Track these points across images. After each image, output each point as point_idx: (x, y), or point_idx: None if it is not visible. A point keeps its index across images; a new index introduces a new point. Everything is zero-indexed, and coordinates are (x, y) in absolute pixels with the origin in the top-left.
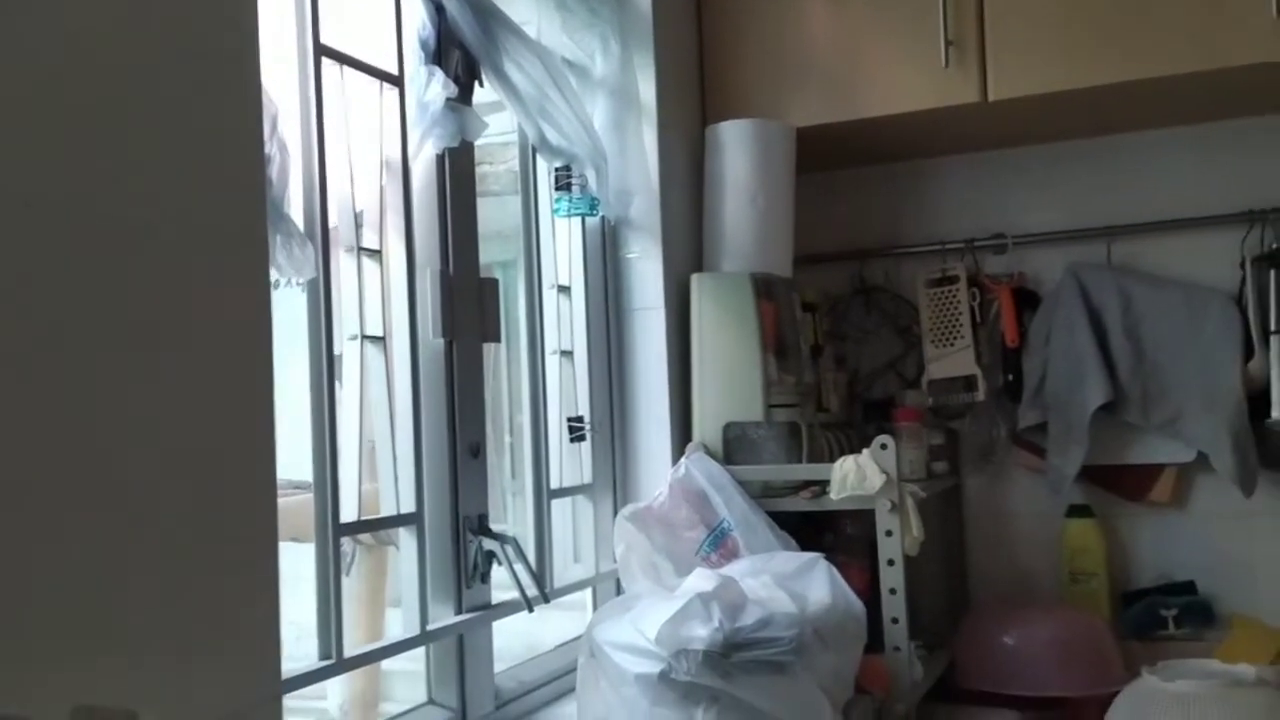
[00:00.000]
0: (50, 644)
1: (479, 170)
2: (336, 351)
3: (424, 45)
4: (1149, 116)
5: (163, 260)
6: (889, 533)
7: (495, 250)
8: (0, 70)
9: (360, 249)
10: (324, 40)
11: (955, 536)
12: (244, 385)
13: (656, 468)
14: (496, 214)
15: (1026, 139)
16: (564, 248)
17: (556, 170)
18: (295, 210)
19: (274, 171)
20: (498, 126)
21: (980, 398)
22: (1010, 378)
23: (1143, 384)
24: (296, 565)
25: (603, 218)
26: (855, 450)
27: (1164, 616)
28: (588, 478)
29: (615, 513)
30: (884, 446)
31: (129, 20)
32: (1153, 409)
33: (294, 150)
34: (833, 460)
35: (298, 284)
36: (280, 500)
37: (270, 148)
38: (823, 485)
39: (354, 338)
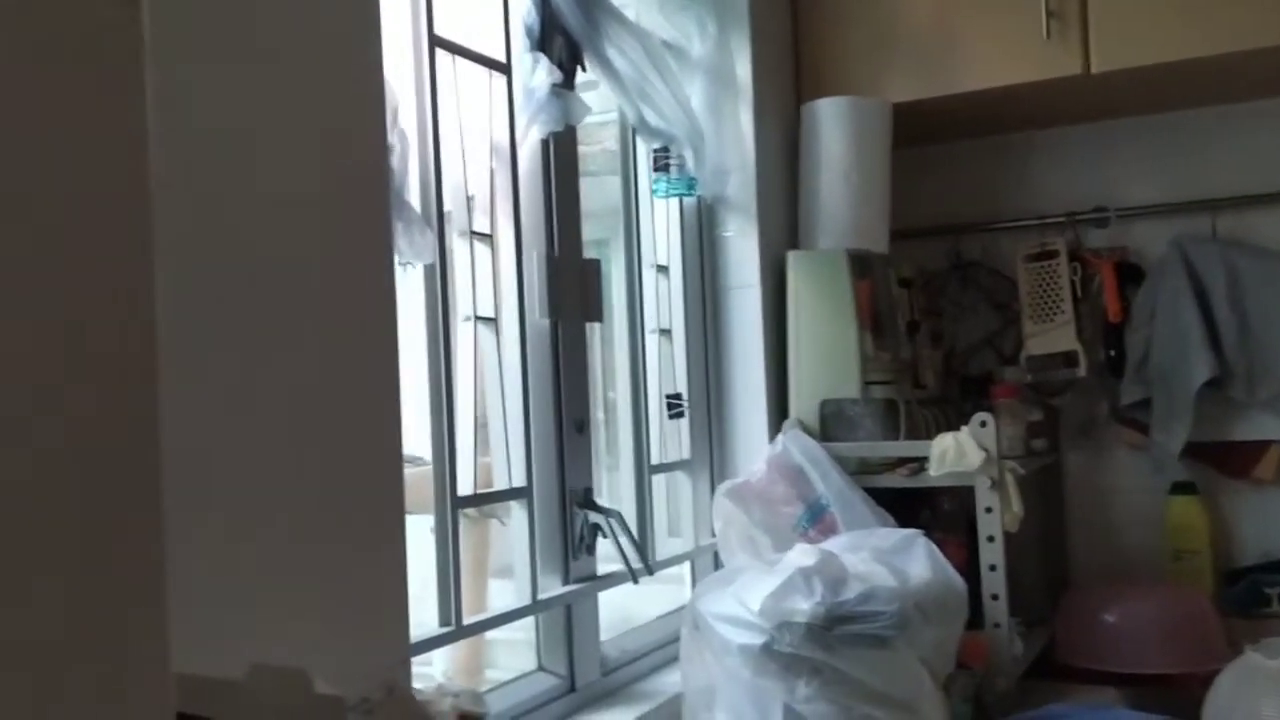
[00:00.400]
0: (219, 611)
1: (579, 151)
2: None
3: (529, 32)
4: (1255, 87)
5: (298, 248)
6: (989, 509)
7: (591, 228)
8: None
9: (472, 233)
10: (437, 31)
11: (1054, 513)
12: (372, 365)
13: (753, 444)
14: (593, 193)
15: (1129, 110)
16: (662, 227)
17: (655, 152)
18: (413, 196)
19: (395, 160)
20: (594, 107)
21: (1081, 374)
22: (1112, 353)
23: (1248, 359)
24: (412, 536)
25: (699, 197)
26: (953, 427)
27: (1267, 594)
28: (686, 454)
29: (713, 488)
30: (983, 424)
31: (266, 26)
32: (1258, 385)
33: (411, 139)
34: (930, 437)
35: (414, 267)
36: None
37: (392, 138)
38: (920, 462)
39: (467, 319)
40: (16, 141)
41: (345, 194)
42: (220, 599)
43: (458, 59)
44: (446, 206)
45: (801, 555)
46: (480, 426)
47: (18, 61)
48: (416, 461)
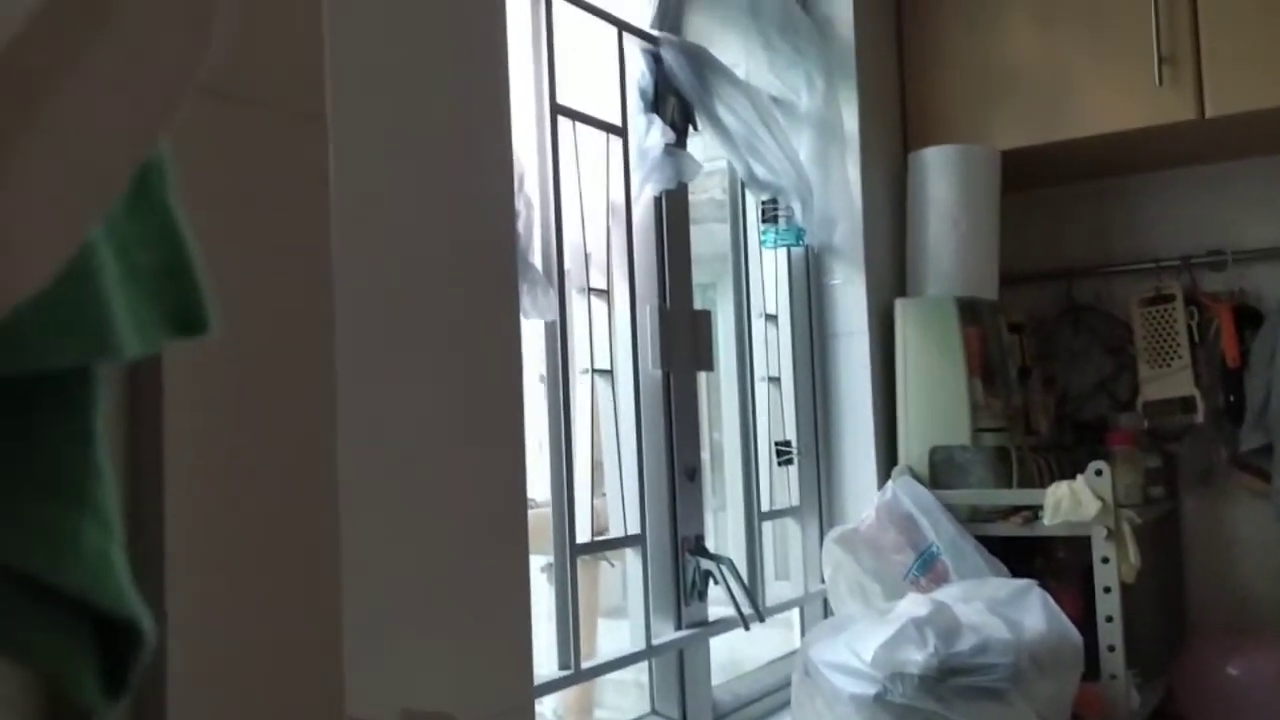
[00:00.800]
0: (368, 656)
1: (689, 199)
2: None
3: (643, 94)
4: None
5: (433, 308)
6: (1105, 560)
7: (699, 273)
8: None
9: (590, 289)
10: (559, 100)
11: (1173, 562)
12: (499, 414)
13: (862, 491)
14: (701, 239)
15: (1245, 152)
16: (770, 276)
17: (763, 203)
18: (536, 257)
19: (521, 225)
20: (703, 155)
21: (1199, 419)
22: (1231, 399)
23: None
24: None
25: (807, 246)
26: (1066, 473)
27: None
28: (795, 500)
29: (822, 535)
30: (1099, 473)
31: (407, 103)
32: None
33: (535, 202)
34: (1043, 484)
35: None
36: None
37: (518, 204)
38: (1034, 510)
39: (585, 371)
40: (224, 238)
41: (477, 257)
42: (357, 642)
43: (577, 124)
44: (566, 265)
45: (914, 605)
46: (595, 467)
47: (216, 168)
48: (531, 504)
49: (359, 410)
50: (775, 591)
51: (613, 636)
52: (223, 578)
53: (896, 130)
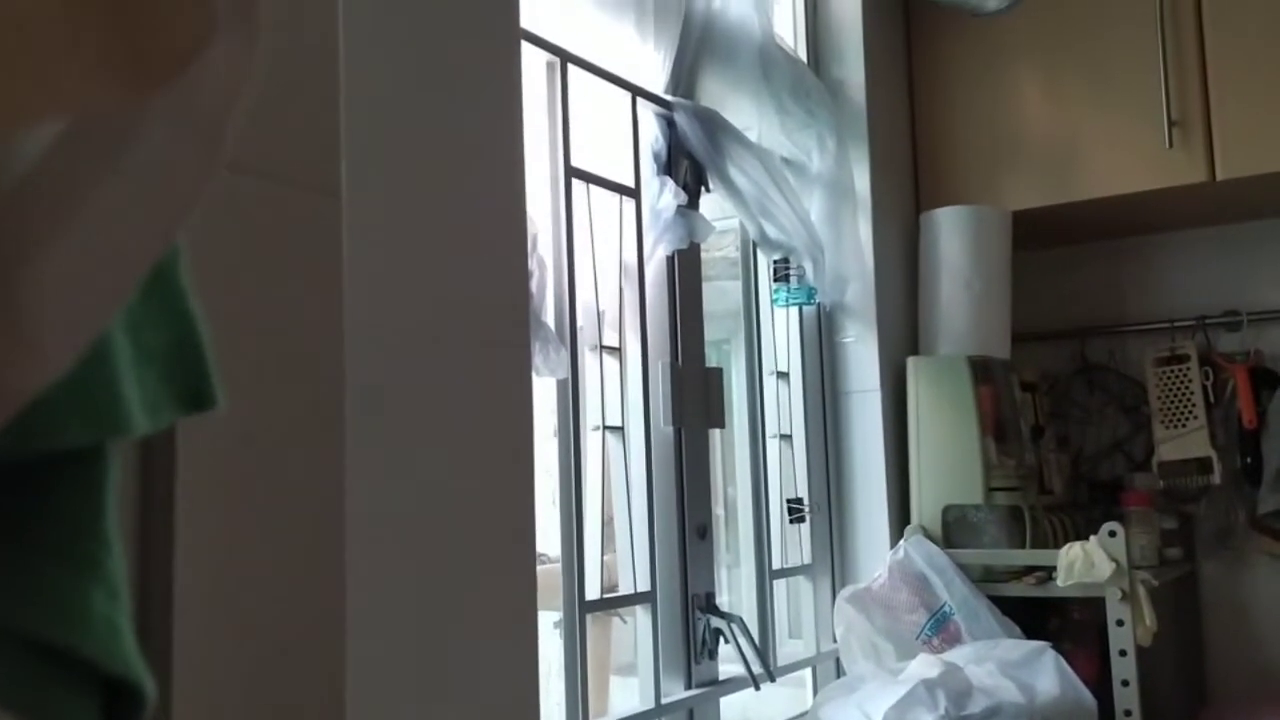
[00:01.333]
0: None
1: (703, 256)
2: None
3: (656, 157)
4: None
5: (447, 366)
6: (1120, 622)
7: (713, 330)
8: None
9: (602, 347)
10: (573, 162)
11: (1191, 626)
12: (509, 469)
13: (875, 549)
14: (714, 296)
15: (1259, 214)
16: (782, 333)
17: (775, 262)
18: (549, 316)
19: (534, 285)
20: (716, 214)
21: (1216, 481)
22: (1249, 460)
23: None
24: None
25: (819, 304)
26: (1080, 534)
27: None
28: (807, 558)
29: (834, 593)
30: (1113, 534)
31: (426, 168)
32: None
33: (549, 262)
34: (1058, 544)
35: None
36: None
37: (531, 264)
38: (1048, 570)
39: (596, 428)
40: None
41: (490, 317)
42: (356, 693)
43: (592, 186)
44: (579, 323)
45: (925, 666)
46: (607, 522)
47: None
48: (542, 559)
49: (368, 470)
50: (788, 650)
51: (625, 694)
52: (230, 641)
53: (908, 190)
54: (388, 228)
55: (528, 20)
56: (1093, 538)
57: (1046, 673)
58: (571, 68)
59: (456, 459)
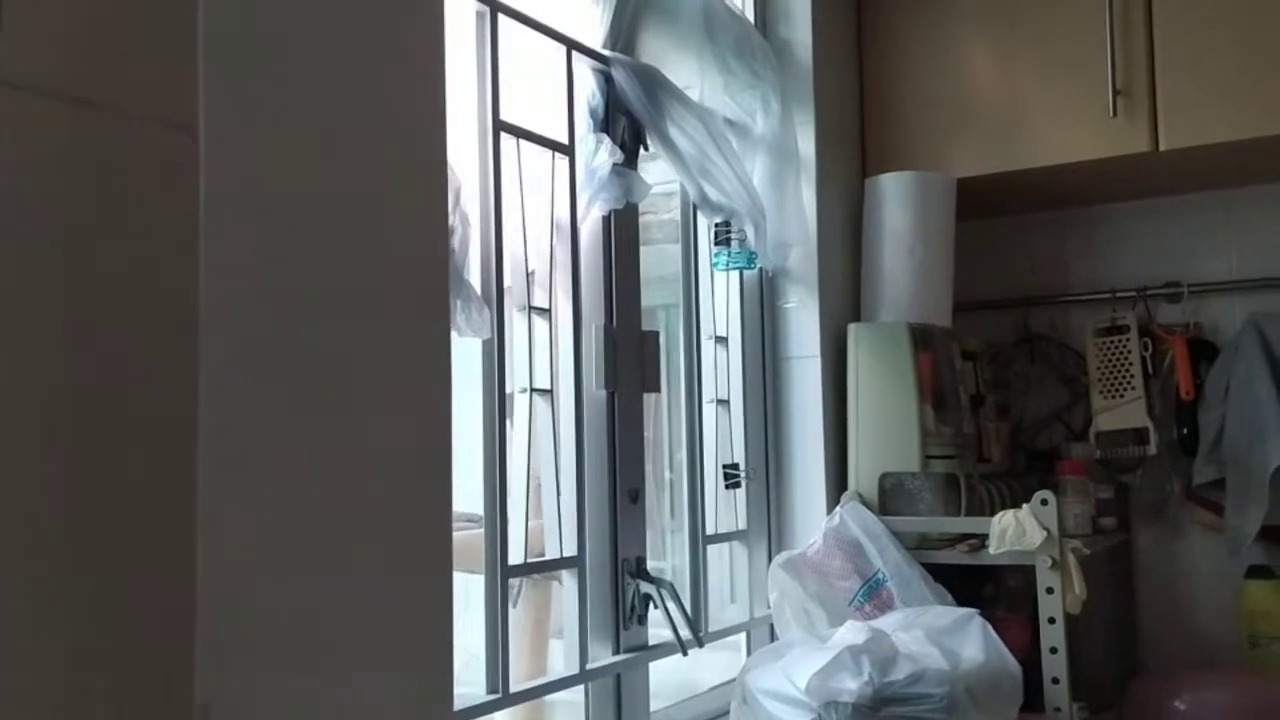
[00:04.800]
0: (257, 670)
1: (641, 220)
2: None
3: (593, 114)
4: None
5: (364, 323)
6: (1050, 590)
7: (657, 295)
8: (249, 168)
9: (531, 308)
10: (503, 116)
11: (1124, 595)
12: (426, 432)
13: (811, 516)
14: (656, 260)
15: (1201, 185)
16: (722, 298)
17: (716, 226)
18: (474, 274)
19: (456, 241)
20: (660, 177)
21: (1152, 451)
22: (1185, 431)
23: None
24: (470, 595)
25: (760, 269)
26: (1017, 502)
27: None
28: (743, 524)
29: (770, 559)
30: (1044, 502)
31: (332, 110)
32: None
33: (474, 218)
34: (993, 512)
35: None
36: (457, 534)
37: (453, 220)
38: (981, 539)
39: (523, 390)
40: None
41: (406, 273)
42: (259, 658)
43: (523, 141)
44: (506, 282)
45: (852, 633)
46: (534, 488)
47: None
48: (477, 521)
49: (270, 426)
50: (726, 615)
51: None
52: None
53: (854, 155)
54: (284, 176)
55: None
56: (1025, 506)
57: (973, 640)
58: (503, 18)
59: (369, 420)
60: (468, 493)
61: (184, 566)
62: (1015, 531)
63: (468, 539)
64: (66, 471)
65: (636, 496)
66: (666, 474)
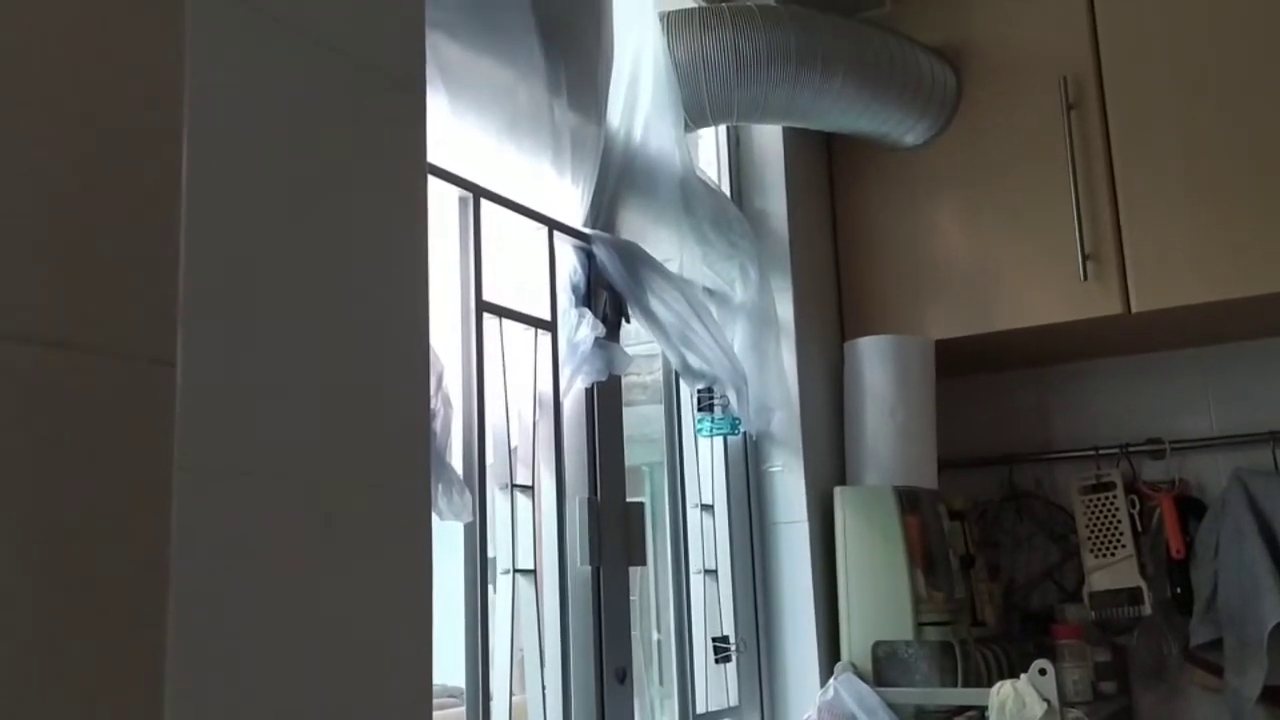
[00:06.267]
0: None
1: (626, 382)
2: (490, 583)
3: (575, 289)
4: None
5: (347, 506)
6: None
7: (641, 454)
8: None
9: (514, 485)
10: (485, 296)
11: None
12: (406, 615)
13: (805, 688)
14: (641, 421)
15: (1178, 343)
16: (706, 464)
17: (699, 392)
18: (455, 456)
19: (438, 425)
20: (643, 338)
21: (1147, 611)
22: (1178, 590)
23: None
24: None
25: (744, 433)
26: (1014, 667)
27: None
28: (734, 700)
29: None
30: (1043, 671)
31: (316, 297)
32: None
33: (455, 399)
34: (991, 680)
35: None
36: (438, 713)
37: (436, 403)
38: (980, 710)
39: (506, 572)
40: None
41: (387, 457)
42: None
43: (505, 320)
44: (489, 459)
45: None
46: (518, 661)
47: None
48: (458, 695)
49: (258, 614)
50: None
51: None
52: None
53: (832, 320)
54: (275, 366)
55: (440, 157)
56: (1023, 676)
57: None
58: (485, 202)
59: (349, 603)
60: (451, 664)
61: None
62: (1015, 703)
63: (449, 716)
64: None
65: (624, 676)
66: (654, 636)
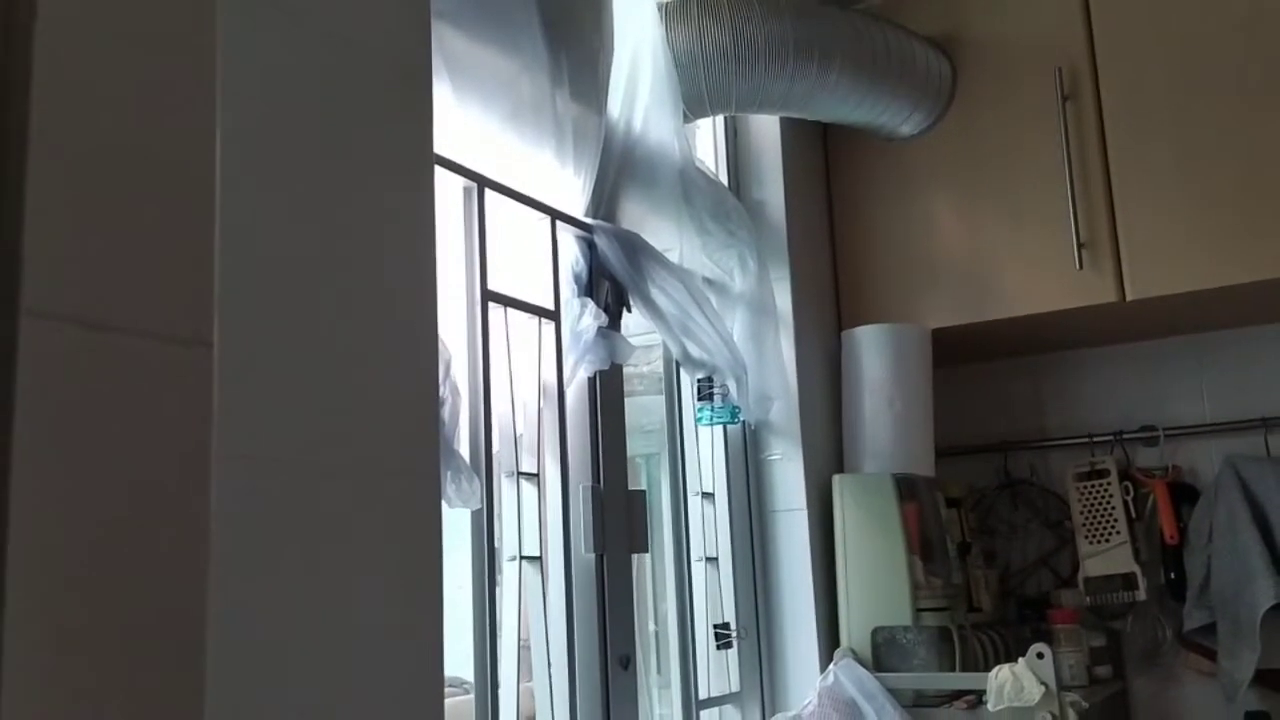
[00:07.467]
0: None
1: (625, 372)
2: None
3: (577, 279)
4: None
5: (356, 495)
6: None
7: (641, 444)
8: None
9: (519, 473)
10: (490, 286)
11: None
12: (416, 602)
13: (805, 674)
14: (641, 411)
15: (1171, 331)
16: (707, 453)
17: (699, 381)
18: (463, 444)
19: (446, 413)
20: (643, 328)
21: (1141, 597)
22: (1172, 576)
23: None
24: None
25: (744, 422)
26: (1011, 652)
27: None
28: (735, 686)
29: None
30: (1041, 655)
31: (327, 292)
32: None
33: (462, 387)
34: (988, 665)
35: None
36: (447, 700)
37: (444, 391)
38: (979, 694)
39: (512, 559)
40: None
41: (397, 445)
42: None
43: (509, 309)
44: (495, 448)
45: None
46: (524, 649)
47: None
48: (466, 686)
49: (266, 601)
50: None
51: None
52: None
53: (829, 309)
54: (287, 355)
55: (445, 147)
56: (1021, 660)
57: None
58: (489, 192)
59: (361, 591)
60: (459, 655)
61: None
62: (1013, 687)
63: (456, 705)
64: None
65: (628, 663)
66: (651, 627)
